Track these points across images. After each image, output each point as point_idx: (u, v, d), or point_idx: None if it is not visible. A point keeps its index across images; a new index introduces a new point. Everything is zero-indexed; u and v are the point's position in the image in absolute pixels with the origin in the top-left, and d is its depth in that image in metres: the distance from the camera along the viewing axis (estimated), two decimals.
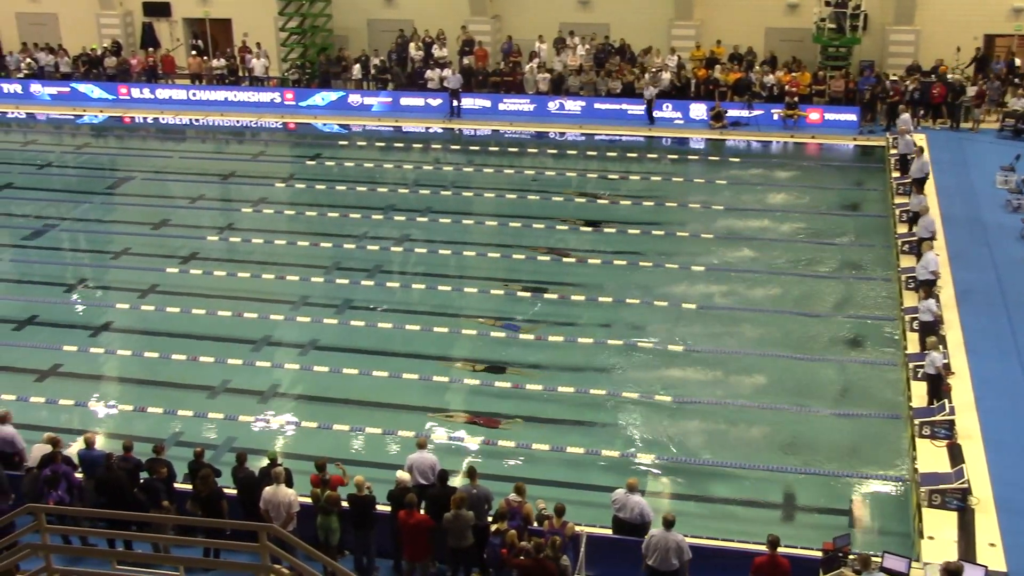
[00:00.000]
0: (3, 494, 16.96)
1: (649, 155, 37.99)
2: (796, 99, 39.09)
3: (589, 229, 30.39)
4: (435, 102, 42.52)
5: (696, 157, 38.12)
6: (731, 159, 37.16)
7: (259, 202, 33.66)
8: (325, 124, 42.69)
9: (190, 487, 16.84)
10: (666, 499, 18.80)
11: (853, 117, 38.83)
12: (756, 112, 39.51)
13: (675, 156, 38.27)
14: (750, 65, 41.43)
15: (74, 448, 18.19)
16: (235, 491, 17.09)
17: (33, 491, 16.82)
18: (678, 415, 21.41)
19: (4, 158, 39.40)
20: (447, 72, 42.59)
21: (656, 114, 40.30)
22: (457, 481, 17.98)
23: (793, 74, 39.96)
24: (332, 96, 43.83)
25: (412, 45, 44.53)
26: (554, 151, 38.94)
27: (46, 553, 13.90)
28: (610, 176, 35.49)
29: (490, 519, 16.23)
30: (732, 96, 40.54)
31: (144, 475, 17.17)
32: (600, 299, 26.21)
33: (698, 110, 40.27)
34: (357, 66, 44.27)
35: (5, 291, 27.91)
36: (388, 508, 16.38)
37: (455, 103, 41.72)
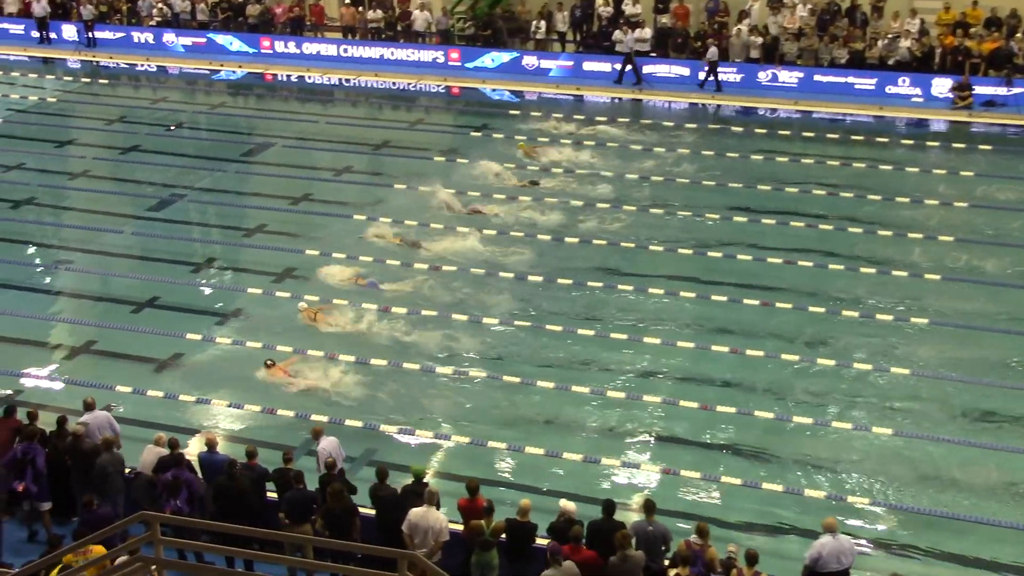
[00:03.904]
0: (118, 495, 17.65)
1: (878, 138, 37.20)
2: None
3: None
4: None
5: (936, 143, 37.26)
6: (981, 146, 36.16)
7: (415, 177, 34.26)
8: (494, 90, 43.18)
9: None
10: (880, 551, 18.52)
11: None
12: (1016, 90, 38.36)
13: (910, 141, 37.46)
14: (1012, 31, 40.17)
15: (192, 450, 18.88)
16: (372, 511, 17.51)
17: (148, 497, 17.52)
18: (899, 452, 20.98)
19: (132, 117, 41.08)
20: (639, 32, 42.54)
21: (891, 89, 39.63)
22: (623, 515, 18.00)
23: None
24: (504, 57, 44.29)
25: (599, 1, 44.58)
26: (763, 130, 38.53)
27: (160, 567, 14.41)
28: (829, 162, 34.97)
29: (667, 563, 16.22)
30: (986, 70, 39.42)
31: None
32: (810, 308, 25.88)
33: (942, 86, 39.33)
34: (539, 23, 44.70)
35: (125, 268, 29.05)
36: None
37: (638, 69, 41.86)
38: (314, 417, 21.98)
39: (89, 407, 19.52)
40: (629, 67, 42.07)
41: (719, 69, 41.15)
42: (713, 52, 40.82)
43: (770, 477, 20.28)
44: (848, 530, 18.67)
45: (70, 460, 18.49)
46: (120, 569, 14.25)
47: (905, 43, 40.31)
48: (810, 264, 28.07)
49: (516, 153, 35.22)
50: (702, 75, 41.13)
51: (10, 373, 23.81)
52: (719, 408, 22.22)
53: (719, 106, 40.55)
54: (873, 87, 40.08)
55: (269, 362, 23.48)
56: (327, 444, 18.61)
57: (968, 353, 24.06)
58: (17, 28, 49.84)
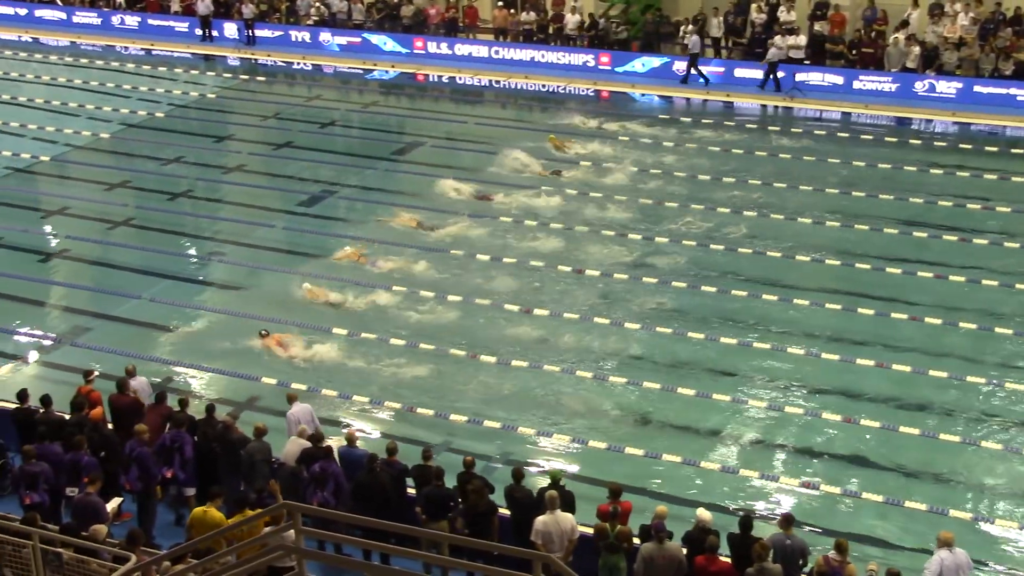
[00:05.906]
0: (263, 480, 17.98)
1: None
2: None
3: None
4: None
5: None
6: None
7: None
8: (643, 94, 43.11)
9: None
10: None
11: None
12: None
13: None
14: None
15: (333, 444, 19.16)
16: (508, 512, 17.63)
17: (291, 488, 17.84)
18: None
19: (286, 113, 41.87)
20: (794, 39, 42.06)
21: None
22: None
23: None
24: (654, 62, 44.12)
25: (754, 7, 44.20)
26: (917, 141, 37.87)
27: (299, 557, 14.64)
28: (986, 175, 34.16)
29: None
30: None
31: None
32: (961, 324, 25.36)
33: None
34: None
35: (274, 261, 29.59)
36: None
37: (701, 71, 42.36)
38: (452, 417, 22.23)
39: (130, 374, 20.50)
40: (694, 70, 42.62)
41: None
42: (774, 53, 40.53)
43: (913, 495, 19.91)
44: (992, 553, 18.35)
45: (218, 447, 18.94)
46: (262, 556, 14.50)
47: None
48: (962, 279, 27.48)
49: (547, 146, 36.53)
50: (762, 74, 41.02)
51: (162, 361, 24.46)
52: (863, 422, 21.90)
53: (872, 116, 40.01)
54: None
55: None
56: (298, 410, 19.49)
57: None
58: (182, 26, 51.24)
